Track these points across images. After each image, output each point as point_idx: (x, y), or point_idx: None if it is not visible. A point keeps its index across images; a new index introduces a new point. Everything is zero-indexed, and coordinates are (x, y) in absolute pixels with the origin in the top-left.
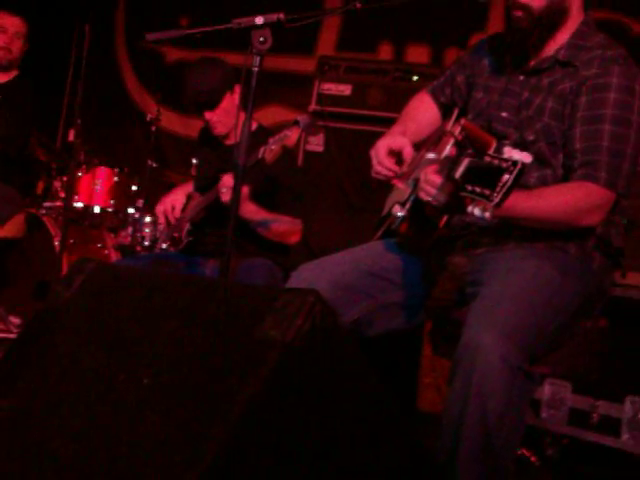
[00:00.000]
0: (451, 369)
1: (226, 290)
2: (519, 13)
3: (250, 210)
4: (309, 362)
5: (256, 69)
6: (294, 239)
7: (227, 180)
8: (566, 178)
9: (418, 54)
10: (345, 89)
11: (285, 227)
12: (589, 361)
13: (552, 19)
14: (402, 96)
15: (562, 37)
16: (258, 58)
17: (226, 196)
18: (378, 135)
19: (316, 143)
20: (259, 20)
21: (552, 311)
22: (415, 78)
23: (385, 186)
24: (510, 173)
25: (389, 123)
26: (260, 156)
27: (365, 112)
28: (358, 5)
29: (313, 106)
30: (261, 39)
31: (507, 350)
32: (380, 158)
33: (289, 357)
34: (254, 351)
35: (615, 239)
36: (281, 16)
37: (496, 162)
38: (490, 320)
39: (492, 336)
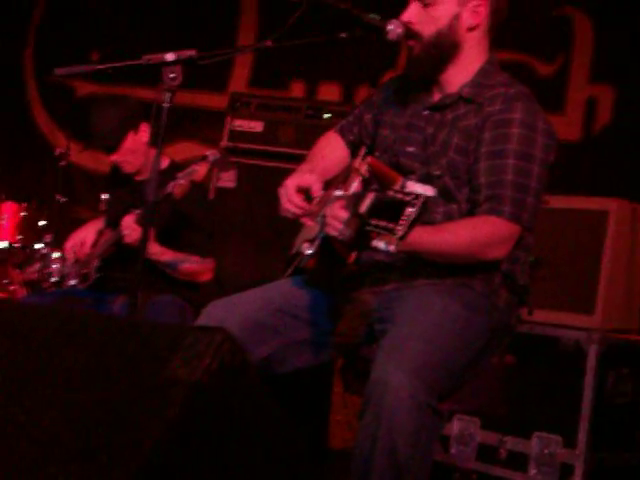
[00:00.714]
0: (361, 406)
1: (133, 328)
2: (412, 42)
3: (156, 251)
4: (217, 402)
5: (167, 105)
6: (205, 278)
7: (127, 222)
8: (472, 213)
9: (330, 92)
10: (256, 126)
11: (194, 267)
12: (497, 397)
13: (442, 49)
14: (313, 133)
15: (465, 75)
16: (169, 94)
17: (129, 238)
18: (290, 172)
19: (228, 179)
20: (170, 57)
21: (459, 348)
22: (326, 116)
23: (295, 223)
24: (413, 206)
25: (300, 160)
26: (169, 191)
27: (276, 149)
28: (268, 43)
29: (225, 142)
30: (172, 75)
31: (415, 387)
32: (289, 196)
33: (196, 397)
34: (161, 391)
35: (520, 276)
36: (193, 53)
37: (399, 196)
38: (398, 358)
39: (400, 374)
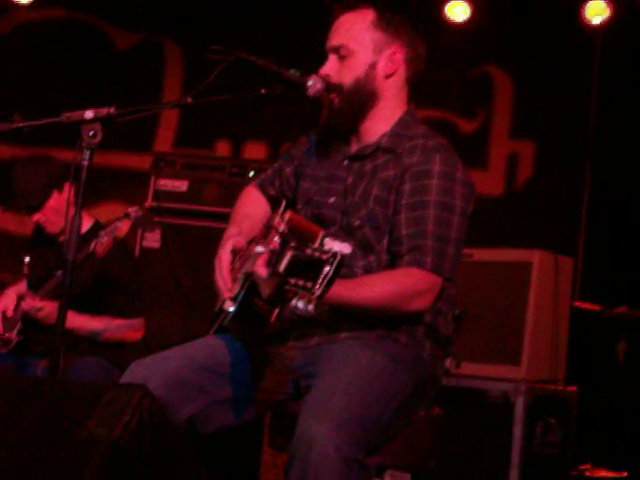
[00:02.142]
0: (287, 462)
1: (50, 387)
2: (332, 95)
3: (77, 323)
4: (137, 460)
5: (86, 163)
6: (134, 338)
7: (28, 304)
8: (392, 264)
9: (255, 150)
10: (181, 185)
11: (120, 333)
12: (426, 451)
13: (361, 98)
14: (238, 192)
15: (384, 125)
16: (88, 152)
17: (40, 315)
18: (215, 231)
19: (152, 239)
20: (89, 114)
21: (385, 400)
22: (252, 174)
23: None
24: (330, 265)
25: (226, 219)
26: (91, 249)
27: (202, 208)
28: (188, 100)
29: (149, 202)
30: (91, 133)
31: (342, 442)
32: (224, 273)
33: (116, 456)
34: (79, 451)
35: (443, 328)
36: (112, 110)
37: (317, 254)
38: (324, 412)
39: (326, 428)
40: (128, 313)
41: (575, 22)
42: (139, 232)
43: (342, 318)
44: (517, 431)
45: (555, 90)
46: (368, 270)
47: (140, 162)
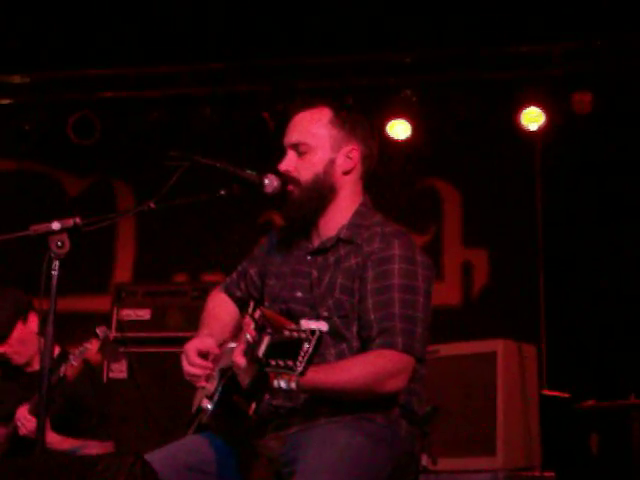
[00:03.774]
0: None
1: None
2: (290, 187)
3: (53, 441)
4: None
5: (55, 272)
6: None
7: (21, 413)
8: (363, 349)
9: (213, 279)
10: (144, 313)
11: (94, 452)
12: None
13: (320, 192)
14: (201, 315)
15: (342, 218)
16: (57, 262)
17: (23, 429)
18: (181, 355)
19: (119, 370)
20: (55, 225)
21: (367, 477)
22: None
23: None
24: (309, 342)
25: None
26: (62, 374)
27: (166, 334)
28: (151, 204)
29: (113, 333)
30: (59, 243)
31: None
32: (191, 359)
33: None
34: None
35: (417, 407)
36: (77, 220)
37: (295, 334)
38: None
39: None
40: (100, 436)
41: (513, 130)
42: (105, 363)
43: (319, 404)
44: None
45: (501, 196)
46: (340, 357)
47: (100, 303)
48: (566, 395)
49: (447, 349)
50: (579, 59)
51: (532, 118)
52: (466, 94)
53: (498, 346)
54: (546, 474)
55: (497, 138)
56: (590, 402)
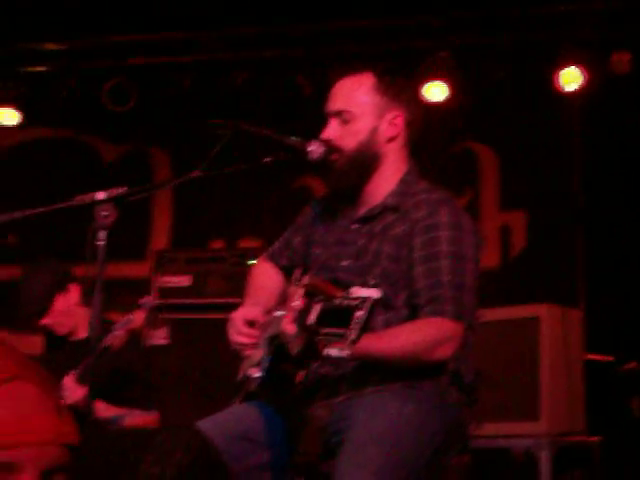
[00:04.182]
0: None
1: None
2: (334, 157)
3: (98, 408)
4: None
5: (102, 243)
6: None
7: (67, 383)
8: (412, 317)
9: (250, 245)
10: (184, 280)
11: (137, 421)
12: None
13: (364, 161)
14: (241, 281)
15: (388, 185)
16: (104, 232)
17: (69, 399)
18: (221, 322)
19: (160, 337)
20: (101, 195)
21: (418, 447)
22: (252, 261)
23: (231, 372)
24: (362, 309)
25: (232, 309)
26: (107, 344)
27: (207, 300)
28: (196, 173)
29: (155, 301)
30: (104, 214)
31: None
32: (238, 328)
33: None
34: None
35: (466, 375)
36: (123, 190)
37: (346, 302)
38: (359, 461)
39: (362, 476)
40: (144, 405)
41: (551, 90)
42: (146, 331)
43: (366, 373)
44: None
45: (539, 158)
46: (388, 326)
47: (138, 270)
48: (609, 359)
49: (490, 314)
50: (617, 19)
51: (570, 79)
52: (503, 55)
53: (541, 311)
54: (591, 439)
55: (535, 99)
56: (632, 364)
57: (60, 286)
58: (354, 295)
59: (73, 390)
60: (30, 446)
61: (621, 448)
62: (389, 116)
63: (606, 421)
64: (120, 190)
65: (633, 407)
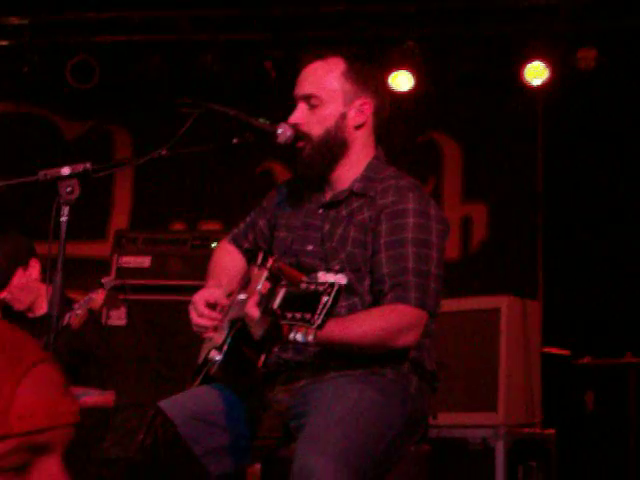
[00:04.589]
0: None
1: None
2: (301, 143)
3: None
4: (154, 477)
5: (65, 219)
6: (107, 406)
7: None
8: (375, 303)
9: (211, 228)
10: (144, 261)
11: (94, 400)
12: None
13: (331, 147)
14: (201, 264)
15: (355, 171)
16: (67, 208)
17: None
18: (180, 304)
19: (118, 317)
20: (65, 171)
21: (379, 432)
22: (213, 245)
23: (189, 353)
24: (328, 295)
25: (191, 291)
26: (65, 322)
27: (166, 282)
28: (164, 151)
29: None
30: (68, 189)
31: (340, 472)
32: (199, 310)
33: (133, 474)
34: (96, 473)
35: (428, 363)
36: (87, 166)
37: (312, 287)
38: (320, 446)
39: (323, 460)
40: (100, 385)
41: (516, 84)
42: (104, 311)
43: (328, 358)
44: (499, 476)
45: (502, 151)
46: (352, 311)
47: (97, 249)
48: (565, 352)
49: (450, 304)
50: (585, 15)
51: (536, 73)
52: (470, 47)
53: (502, 302)
54: (547, 431)
55: (500, 92)
56: (586, 359)
57: (21, 260)
58: (320, 280)
59: None
60: (60, 428)
61: (575, 441)
62: (357, 103)
63: (562, 414)
64: (84, 165)
65: (587, 401)
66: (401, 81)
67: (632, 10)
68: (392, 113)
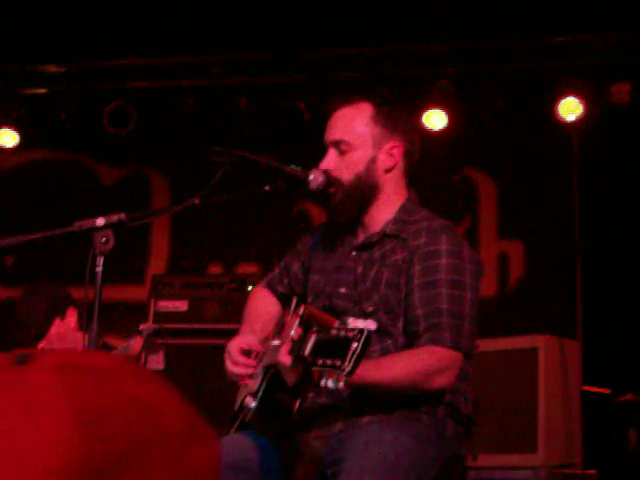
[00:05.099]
0: None
1: None
2: (332, 189)
3: None
4: None
5: (100, 269)
6: None
7: None
8: (409, 345)
9: (248, 270)
10: (181, 305)
11: None
12: None
13: (363, 192)
14: (238, 306)
15: (387, 213)
16: (102, 258)
17: None
18: (217, 347)
19: (156, 361)
20: (100, 222)
21: (415, 479)
22: (250, 287)
23: (228, 398)
24: (358, 341)
25: (228, 334)
26: None
27: (203, 326)
28: (196, 200)
29: (151, 326)
30: (103, 240)
31: None
32: (234, 358)
33: None
34: None
35: (464, 406)
36: (122, 216)
37: (342, 333)
38: None
39: None
40: None
41: (550, 120)
42: (143, 355)
43: (363, 403)
44: None
45: (538, 187)
46: (385, 353)
47: (135, 293)
48: (606, 391)
49: (488, 344)
50: (617, 49)
51: (570, 109)
52: (503, 84)
53: (540, 342)
54: (588, 472)
55: (534, 129)
56: (628, 396)
57: (59, 310)
58: (350, 326)
59: None
60: None
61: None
62: (387, 146)
63: (603, 453)
64: (119, 216)
65: (630, 439)
66: (435, 120)
67: None
68: (427, 152)
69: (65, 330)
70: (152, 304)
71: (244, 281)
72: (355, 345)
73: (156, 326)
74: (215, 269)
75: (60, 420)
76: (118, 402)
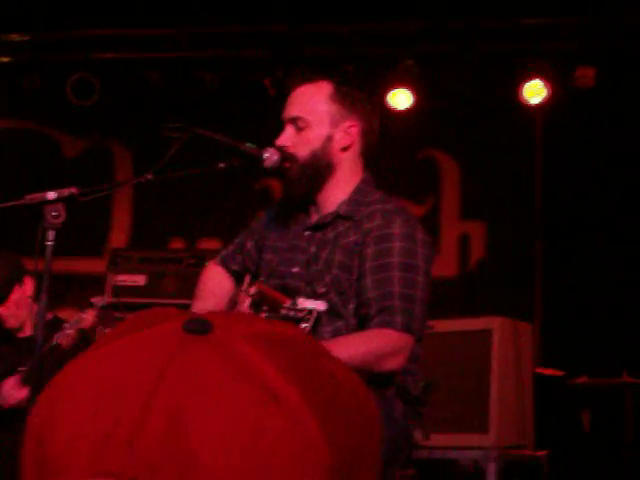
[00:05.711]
0: None
1: None
2: (287, 164)
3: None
4: None
5: (50, 243)
6: None
7: (8, 384)
8: (360, 327)
9: (210, 246)
10: (139, 279)
11: None
12: None
13: (317, 169)
14: (196, 282)
15: (341, 194)
16: (52, 232)
17: (10, 399)
18: None
19: None
20: (51, 195)
21: None
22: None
23: None
24: (307, 321)
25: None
26: (55, 342)
27: (161, 301)
28: (149, 176)
29: (108, 299)
30: (54, 213)
31: None
32: None
33: None
34: None
35: (413, 387)
36: (73, 190)
37: (292, 313)
38: None
39: None
40: None
41: (515, 102)
42: (98, 329)
43: None
44: None
45: (501, 169)
46: (336, 334)
47: (93, 266)
48: (559, 373)
49: (442, 325)
50: (583, 33)
51: (534, 91)
52: (469, 65)
53: (494, 323)
54: (539, 453)
55: (499, 110)
56: (582, 379)
57: (18, 277)
58: (299, 307)
59: (16, 391)
60: None
61: (572, 461)
62: (344, 125)
63: (556, 435)
64: (70, 190)
65: (583, 420)
66: (400, 99)
67: (630, 28)
68: (390, 131)
69: (22, 297)
70: (109, 277)
71: (204, 257)
72: (304, 325)
73: (110, 299)
74: (177, 244)
75: (296, 405)
76: (327, 380)
